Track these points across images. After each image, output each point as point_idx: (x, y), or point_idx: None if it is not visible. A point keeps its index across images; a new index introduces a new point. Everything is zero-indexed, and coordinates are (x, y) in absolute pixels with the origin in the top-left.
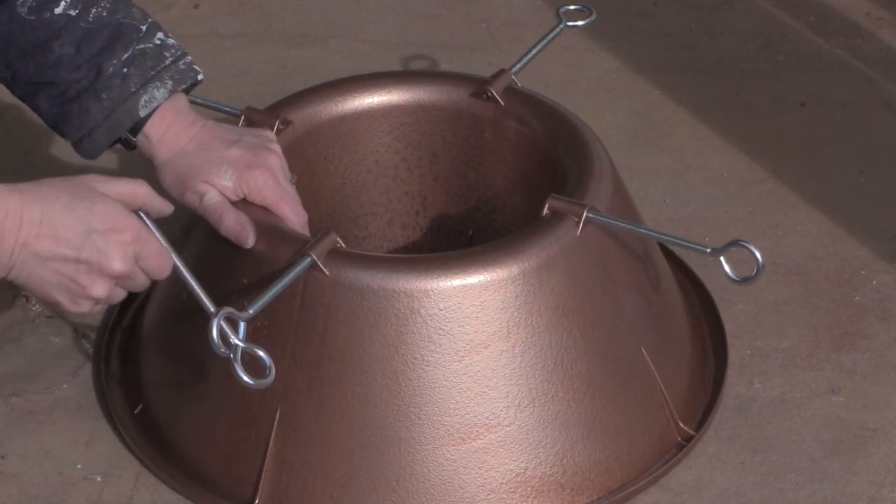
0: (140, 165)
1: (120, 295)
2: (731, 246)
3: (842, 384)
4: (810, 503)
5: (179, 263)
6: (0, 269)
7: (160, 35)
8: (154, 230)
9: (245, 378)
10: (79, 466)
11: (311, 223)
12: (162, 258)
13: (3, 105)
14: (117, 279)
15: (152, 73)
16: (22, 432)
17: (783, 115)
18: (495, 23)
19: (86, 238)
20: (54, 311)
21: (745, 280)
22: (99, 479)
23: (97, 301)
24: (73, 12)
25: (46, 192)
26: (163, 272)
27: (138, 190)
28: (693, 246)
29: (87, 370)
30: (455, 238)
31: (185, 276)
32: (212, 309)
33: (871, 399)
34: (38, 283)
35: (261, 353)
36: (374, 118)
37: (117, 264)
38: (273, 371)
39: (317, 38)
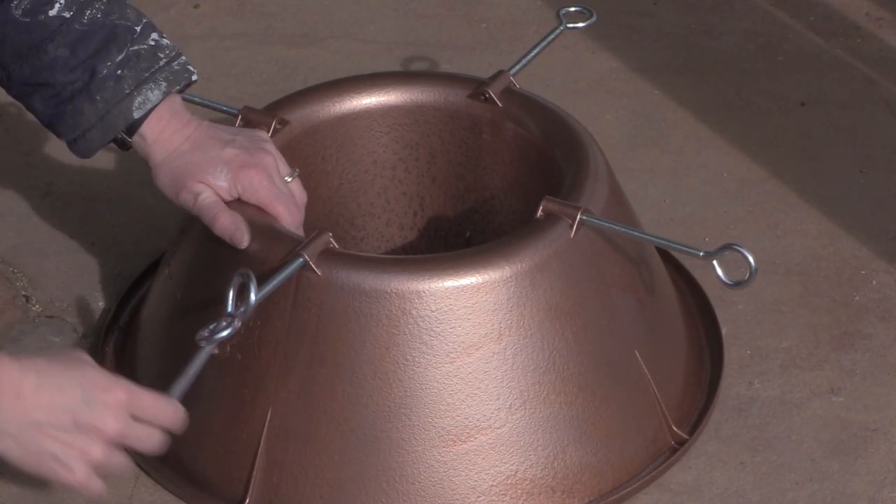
0: (137, 165)
1: (120, 460)
2: (725, 250)
3: (842, 384)
4: (810, 503)
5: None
6: None
7: (154, 36)
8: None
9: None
10: None
11: (309, 223)
12: (160, 407)
13: (3, 105)
14: (115, 439)
15: (146, 74)
16: None
17: (783, 116)
18: (495, 23)
19: (80, 402)
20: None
21: (737, 284)
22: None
23: (94, 464)
24: (67, 14)
25: (40, 362)
26: (167, 419)
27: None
28: (686, 249)
29: None
30: (452, 239)
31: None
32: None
33: (871, 399)
34: (32, 451)
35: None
36: (373, 119)
37: (111, 423)
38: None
39: (317, 39)
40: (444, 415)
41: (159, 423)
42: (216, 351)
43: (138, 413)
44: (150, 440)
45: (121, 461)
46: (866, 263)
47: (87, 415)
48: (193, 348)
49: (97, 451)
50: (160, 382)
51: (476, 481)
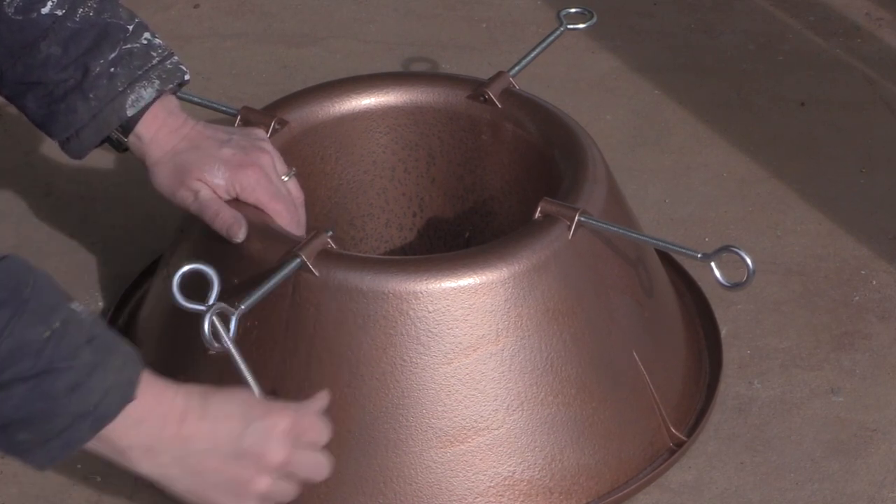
0: (137, 166)
1: (286, 488)
2: (722, 251)
3: (842, 384)
4: (810, 503)
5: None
6: (155, 468)
7: (147, 35)
8: None
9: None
10: (79, 466)
11: (308, 223)
12: (321, 429)
13: (3, 105)
14: (281, 468)
15: (139, 72)
16: None
17: (783, 115)
18: (495, 23)
19: (244, 429)
20: None
21: (735, 285)
22: (99, 479)
23: (261, 494)
24: (59, 12)
25: (200, 389)
26: (322, 439)
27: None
28: (684, 251)
29: None
30: (452, 240)
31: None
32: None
33: (872, 399)
34: (198, 481)
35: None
36: (372, 119)
37: (278, 453)
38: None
39: (317, 39)
40: (441, 416)
41: (322, 445)
42: (212, 352)
43: (302, 437)
44: (318, 466)
45: (287, 489)
46: (866, 263)
47: (253, 443)
48: (203, 350)
49: (265, 480)
50: None
51: (474, 482)
